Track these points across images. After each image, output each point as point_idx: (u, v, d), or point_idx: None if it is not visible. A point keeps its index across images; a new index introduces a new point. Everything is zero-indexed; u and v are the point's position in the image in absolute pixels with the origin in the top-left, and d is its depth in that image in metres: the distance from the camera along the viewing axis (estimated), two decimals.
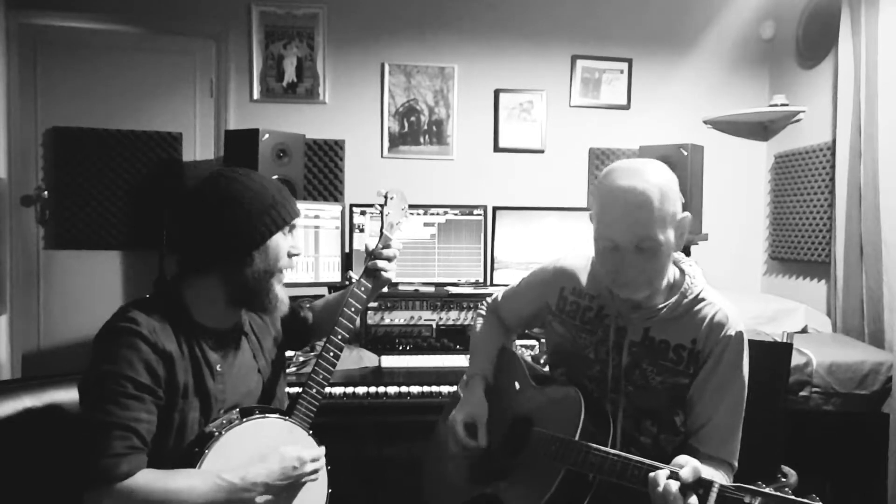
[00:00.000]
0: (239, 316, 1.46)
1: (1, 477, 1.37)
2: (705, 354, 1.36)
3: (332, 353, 1.50)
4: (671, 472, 1.16)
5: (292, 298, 1.68)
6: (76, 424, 1.24)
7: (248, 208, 1.32)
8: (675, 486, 1.13)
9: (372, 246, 1.58)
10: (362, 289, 1.55)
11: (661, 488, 1.14)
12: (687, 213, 1.33)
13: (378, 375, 2.28)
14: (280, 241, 1.38)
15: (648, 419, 1.41)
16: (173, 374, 1.28)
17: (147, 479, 1.21)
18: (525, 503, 1.34)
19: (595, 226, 1.34)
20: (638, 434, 1.42)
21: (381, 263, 1.56)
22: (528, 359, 2.40)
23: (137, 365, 1.23)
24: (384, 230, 1.59)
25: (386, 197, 1.63)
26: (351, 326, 1.53)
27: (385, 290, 2.57)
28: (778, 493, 1.05)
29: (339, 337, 1.51)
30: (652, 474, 1.17)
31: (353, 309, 1.53)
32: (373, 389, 2.16)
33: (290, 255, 1.41)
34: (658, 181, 1.27)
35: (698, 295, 1.38)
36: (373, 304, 2.51)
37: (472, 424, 1.52)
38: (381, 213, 1.62)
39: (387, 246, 1.58)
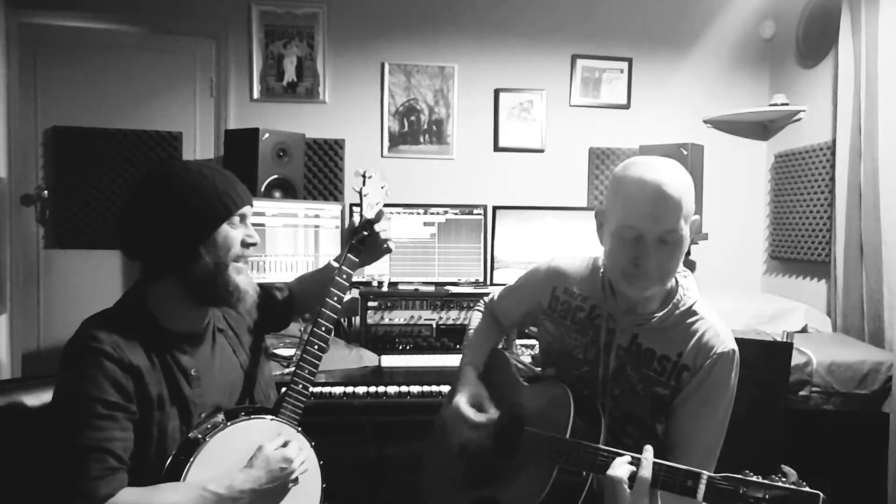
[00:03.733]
0: (208, 314, 1.41)
1: (1, 477, 1.37)
2: (692, 372, 1.34)
3: (316, 346, 1.46)
4: (633, 458, 1.21)
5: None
6: (50, 450, 1.21)
7: (187, 204, 1.28)
8: (625, 472, 1.18)
9: (349, 228, 1.55)
10: (343, 276, 1.51)
11: (612, 471, 1.20)
12: (697, 216, 1.33)
13: (378, 375, 2.28)
14: (229, 233, 1.32)
15: (631, 424, 1.41)
16: (143, 387, 1.24)
17: (129, 498, 1.18)
18: None
19: (616, 218, 1.31)
20: (621, 437, 1.42)
21: (378, 227, 1.53)
22: (528, 359, 2.41)
23: (104, 384, 1.19)
24: (363, 212, 1.54)
25: (364, 176, 1.57)
26: (334, 317, 1.49)
27: (385, 289, 2.59)
28: (765, 481, 1.05)
29: (323, 329, 1.47)
30: (618, 459, 1.22)
31: (335, 299, 1.49)
32: (373, 389, 2.16)
33: (245, 245, 1.35)
34: (683, 177, 1.29)
35: (691, 307, 1.37)
36: (373, 304, 2.51)
37: (477, 402, 1.52)
38: (360, 193, 1.55)
39: (371, 223, 1.54)
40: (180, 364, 1.32)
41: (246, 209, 1.36)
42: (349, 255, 1.53)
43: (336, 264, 1.54)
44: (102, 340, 1.22)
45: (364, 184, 1.56)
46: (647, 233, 1.26)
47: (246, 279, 1.37)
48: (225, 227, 1.32)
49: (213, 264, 1.31)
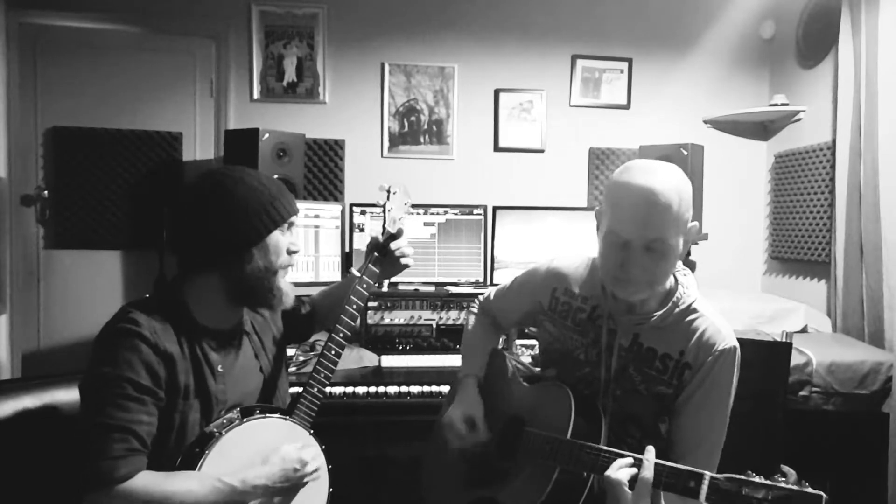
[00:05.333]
0: (240, 315, 1.45)
1: (1, 477, 1.37)
2: (694, 369, 1.34)
3: (333, 352, 1.49)
4: (634, 459, 1.21)
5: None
6: (76, 426, 1.24)
7: (246, 205, 1.32)
8: (625, 474, 1.18)
9: (379, 240, 1.57)
10: (364, 286, 1.54)
11: (612, 473, 1.19)
12: (695, 223, 1.33)
13: (378, 375, 2.28)
14: (279, 239, 1.37)
15: (633, 424, 1.41)
16: (174, 375, 1.27)
17: (146, 481, 1.21)
18: None
19: (606, 221, 1.32)
20: (623, 437, 1.42)
21: (394, 245, 1.55)
22: (527, 359, 2.41)
23: (138, 367, 1.22)
24: (386, 226, 1.57)
25: (388, 192, 1.60)
26: (353, 324, 1.52)
27: (385, 289, 2.59)
28: (768, 482, 1.05)
29: (341, 335, 1.50)
30: (619, 460, 1.22)
31: (354, 307, 1.52)
32: (373, 389, 2.16)
33: (289, 253, 1.40)
34: (677, 185, 1.27)
35: (690, 305, 1.37)
36: (373, 304, 2.51)
37: (471, 420, 1.52)
38: (384, 208, 1.58)
39: (393, 238, 1.56)
40: (208, 359, 1.34)
41: (293, 218, 1.41)
42: (371, 266, 1.56)
43: (357, 273, 1.57)
44: (141, 324, 1.25)
45: (388, 199, 1.59)
46: (632, 240, 1.26)
47: (287, 284, 1.41)
48: (276, 233, 1.36)
49: (264, 267, 1.35)
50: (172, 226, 1.37)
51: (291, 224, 1.41)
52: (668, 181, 1.26)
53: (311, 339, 2.41)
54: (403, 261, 1.59)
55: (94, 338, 1.27)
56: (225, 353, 1.39)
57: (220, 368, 1.36)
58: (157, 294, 1.38)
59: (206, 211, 1.32)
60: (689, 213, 1.29)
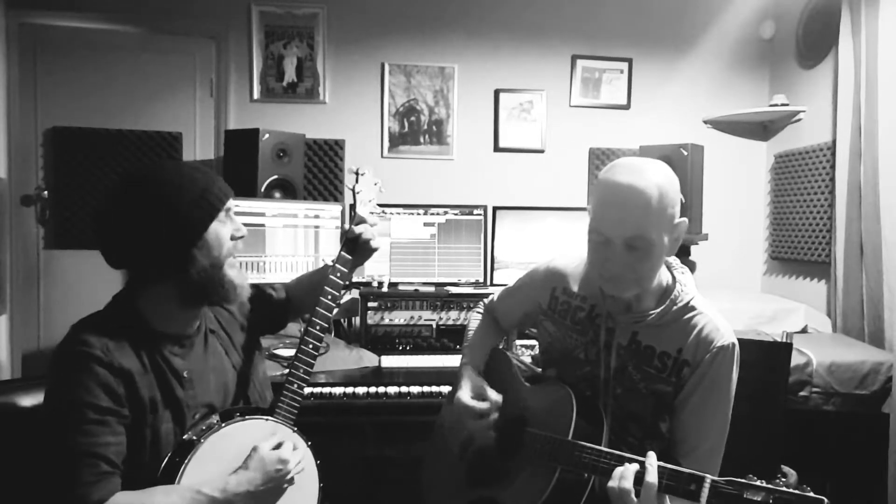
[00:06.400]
0: (200, 316, 1.40)
1: (1, 477, 1.37)
2: (692, 367, 1.34)
3: (310, 346, 1.45)
4: (636, 462, 1.20)
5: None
6: (42, 456, 1.20)
7: (174, 207, 1.25)
8: (630, 481, 1.17)
9: (348, 226, 1.55)
10: (338, 274, 1.50)
11: (620, 483, 1.18)
12: (684, 219, 1.32)
13: (378, 375, 2.28)
14: (219, 230, 1.30)
15: (634, 423, 1.41)
16: (135, 391, 1.23)
17: (122, 502, 1.17)
18: None
19: (590, 219, 1.33)
20: (624, 436, 1.42)
21: (358, 228, 1.52)
22: (528, 359, 2.41)
23: (95, 389, 1.18)
24: (357, 209, 1.55)
25: (357, 173, 1.59)
26: (329, 315, 1.48)
27: (385, 289, 2.59)
28: (769, 486, 1.05)
29: (318, 328, 1.47)
30: (618, 469, 1.20)
31: (329, 297, 1.48)
32: (373, 389, 2.16)
33: (234, 239, 1.34)
34: (659, 182, 1.25)
35: (688, 303, 1.37)
36: (372, 304, 2.51)
37: (480, 392, 1.50)
38: (353, 190, 1.57)
39: (362, 222, 1.54)
40: (172, 366, 1.31)
41: (230, 202, 1.34)
42: (342, 252, 1.53)
43: (331, 262, 1.54)
44: (93, 345, 1.20)
45: (357, 181, 1.58)
46: (612, 238, 1.26)
47: (238, 273, 1.36)
48: (215, 225, 1.30)
49: (210, 265, 1.29)
50: (107, 242, 1.29)
51: (228, 210, 1.34)
52: (648, 178, 1.25)
53: None
54: (371, 244, 1.54)
55: (49, 363, 1.23)
56: (191, 357, 1.35)
57: (185, 374, 1.32)
58: (109, 306, 1.33)
59: (136, 223, 1.25)
60: (673, 209, 1.28)
